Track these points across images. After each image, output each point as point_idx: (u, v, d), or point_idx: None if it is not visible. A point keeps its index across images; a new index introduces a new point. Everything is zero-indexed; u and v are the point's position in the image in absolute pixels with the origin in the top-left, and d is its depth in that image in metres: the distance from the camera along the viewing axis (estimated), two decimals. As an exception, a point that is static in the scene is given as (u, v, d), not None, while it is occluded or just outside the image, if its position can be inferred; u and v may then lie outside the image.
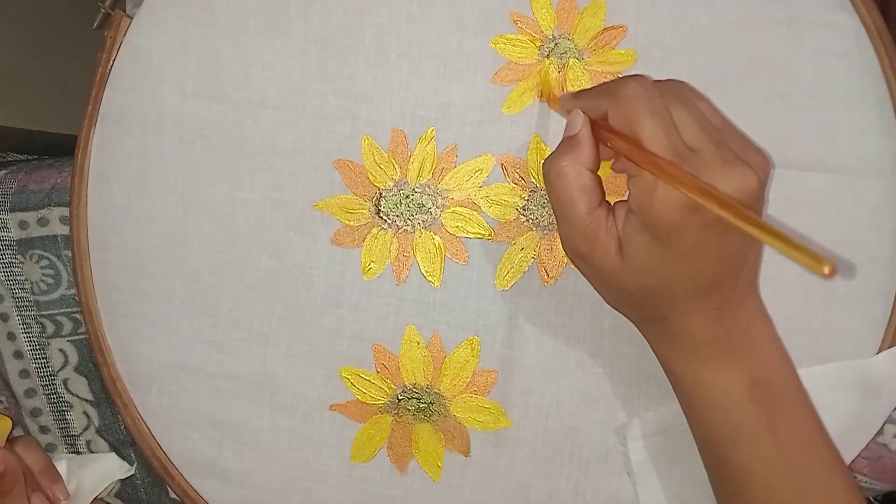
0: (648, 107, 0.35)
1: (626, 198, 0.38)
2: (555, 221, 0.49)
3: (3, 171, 0.56)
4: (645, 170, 0.35)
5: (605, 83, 0.40)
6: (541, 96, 0.49)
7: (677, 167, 0.34)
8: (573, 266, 0.42)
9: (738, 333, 0.39)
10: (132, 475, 0.57)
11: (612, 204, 0.39)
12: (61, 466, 0.54)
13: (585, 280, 0.48)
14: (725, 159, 0.34)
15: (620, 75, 0.49)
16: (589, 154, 0.38)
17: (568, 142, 0.39)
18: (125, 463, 0.56)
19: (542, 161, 0.39)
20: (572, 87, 0.49)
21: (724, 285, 0.38)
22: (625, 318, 0.43)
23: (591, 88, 0.41)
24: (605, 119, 0.38)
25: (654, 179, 0.34)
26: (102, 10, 0.53)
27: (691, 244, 0.35)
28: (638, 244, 0.36)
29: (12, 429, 0.56)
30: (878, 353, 0.49)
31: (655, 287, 0.37)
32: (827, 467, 0.40)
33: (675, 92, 0.37)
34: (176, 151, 0.51)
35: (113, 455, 0.57)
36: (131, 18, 0.52)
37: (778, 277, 0.48)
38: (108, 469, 0.56)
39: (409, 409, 0.50)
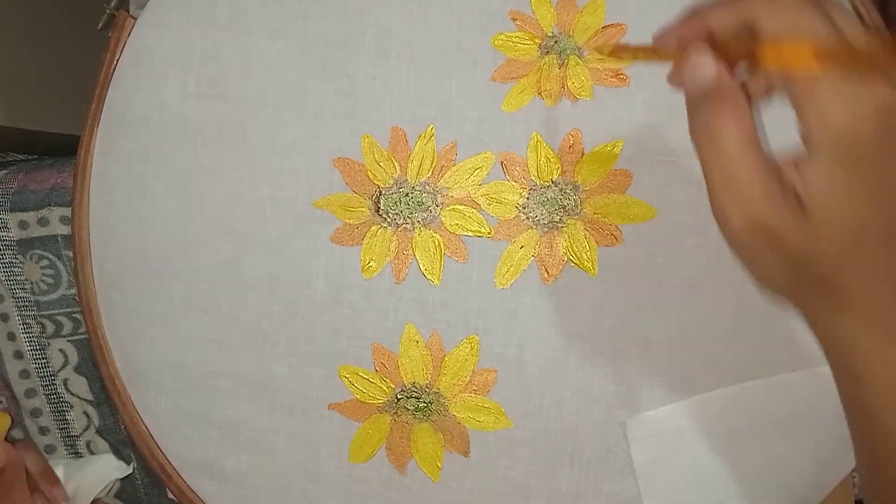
0: (821, 16, 0.29)
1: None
2: (562, 220, 0.49)
3: (3, 171, 0.56)
4: (832, 68, 0.28)
5: None
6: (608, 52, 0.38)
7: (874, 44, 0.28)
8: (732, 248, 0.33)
9: None
10: (132, 475, 0.57)
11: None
12: (59, 471, 0.54)
13: (586, 278, 0.48)
14: None
15: (622, 73, 0.49)
16: (743, 98, 0.31)
17: (711, 90, 0.31)
18: (122, 463, 0.56)
19: (689, 120, 0.31)
20: (573, 86, 0.49)
21: None
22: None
23: (707, 5, 0.32)
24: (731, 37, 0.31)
25: (836, 93, 0.28)
26: (107, 11, 0.54)
27: (886, 169, 0.29)
28: (826, 188, 0.29)
29: (10, 427, 0.56)
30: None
31: (846, 242, 0.30)
32: None
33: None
34: (177, 150, 0.51)
35: (110, 455, 0.57)
36: (135, 19, 0.52)
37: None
38: (106, 469, 0.56)
39: (408, 409, 0.50)
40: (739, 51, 0.31)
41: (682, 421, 0.47)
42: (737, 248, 0.32)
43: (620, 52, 0.38)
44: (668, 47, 0.33)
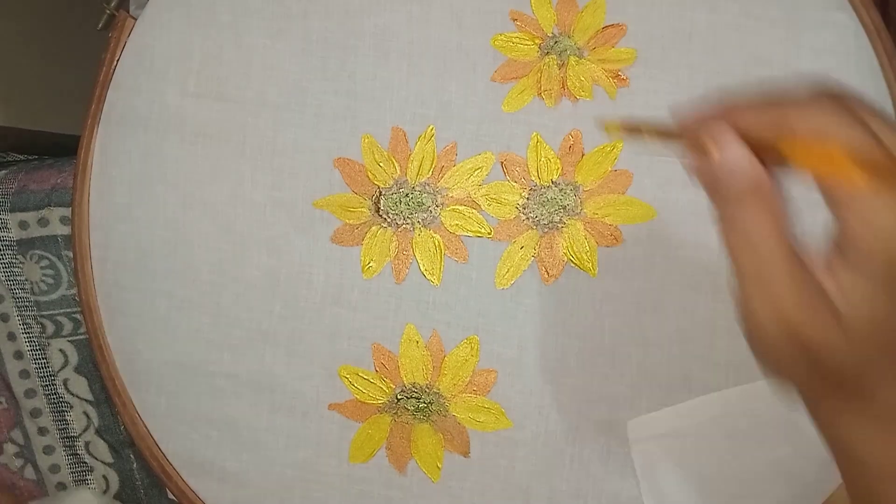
0: (850, 117, 0.27)
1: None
2: (562, 220, 0.49)
3: (3, 171, 0.56)
4: (863, 182, 0.26)
5: (764, 94, 0.29)
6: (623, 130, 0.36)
7: None
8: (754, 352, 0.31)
9: None
10: (132, 475, 0.57)
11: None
12: None
13: (586, 279, 0.48)
14: None
15: (621, 74, 0.49)
16: (780, 197, 0.29)
17: (747, 190, 0.29)
18: (101, 496, 0.56)
19: (718, 223, 0.29)
20: (573, 86, 0.49)
21: None
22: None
23: (737, 100, 0.30)
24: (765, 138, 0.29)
25: (883, 204, 0.26)
26: (107, 11, 0.54)
27: None
28: (865, 297, 0.28)
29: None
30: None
31: (875, 358, 0.29)
32: None
33: (866, 109, 0.29)
34: (177, 151, 0.51)
35: (87, 491, 0.56)
36: (135, 20, 0.52)
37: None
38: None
39: (408, 409, 0.50)
40: (767, 152, 0.28)
41: (684, 423, 0.47)
42: (766, 352, 0.30)
43: (636, 130, 0.34)
44: (691, 134, 0.30)
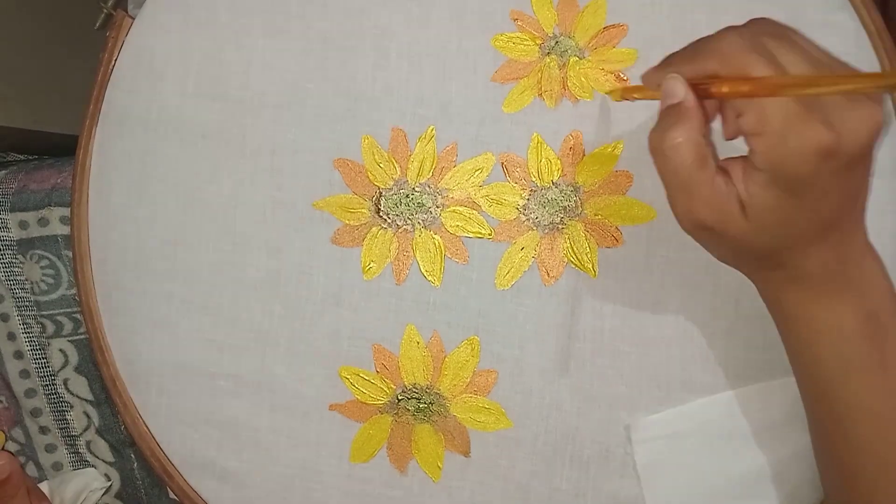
0: (762, 57, 0.34)
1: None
2: (563, 221, 0.49)
3: (3, 171, 0.56)
4: (779, 94, 0.33)
5: (693, 43, 0.38)
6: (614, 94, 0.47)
7: (811, 76, 0.33)
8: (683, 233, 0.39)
9: (852, 266, 0.38)
10: (132, 475, 0.57)
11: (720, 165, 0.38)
12: (44, 487, 0.55)
13: (587, 279, 0.48)
14: (850, 99, 0.34)
15: (622, 74, 0.49)
16: (700, 118, 0.36)
17: (673, 111, 0.37)
18: (101, 477, 0.57)
19: (649, 135, 0.37)
20: (573, 87, 0.49)
21: (843, 222, 0.37)
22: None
23: (677, 53, 0.38)
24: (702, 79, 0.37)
25: (784, 131, 0.33)
26: (105, 11, 0.54)
27: (821, 191, 0.35)
28: (765, 202, 0.35)
29: (5, 441, 0.56)
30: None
31: (781, 238, 0.37)
32: None
33: (773, 34, 0.36)
34: (177, 151, 0.51)
35: (92, 469, 0.57)
36: (133, 19, 0.52)
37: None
38: (86, 481, 0.56)
39: (408, 410, 0.50)
40: (699, 90, 0.37)
41: (687, 424, 0.47)
42: (689, 235, 0.39)
43: (629, 92, 0.45)
44: (651, 85, 0.40)
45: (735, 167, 0.36)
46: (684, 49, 0.38)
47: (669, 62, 0.39)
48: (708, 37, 0.37)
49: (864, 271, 0.39)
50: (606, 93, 0.48)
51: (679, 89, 0.37)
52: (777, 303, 0.41)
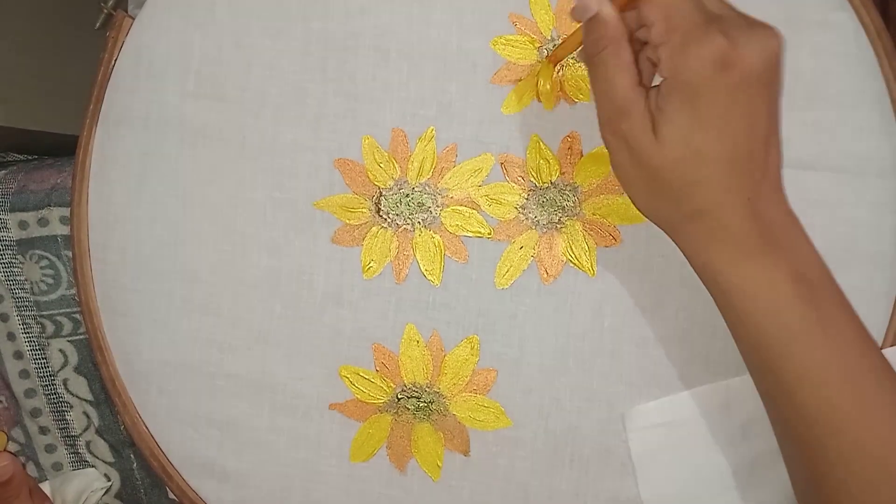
0: None
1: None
2: (561, 220, 0.49)
3: (3, 171, 0.56)
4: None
5: None
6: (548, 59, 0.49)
7: None
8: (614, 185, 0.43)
9: (776, 228, 0.38)
10: (132, 475, 0.57)
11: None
12: (45, 487, 0.55)
13: (585, 279, 0.48)
14: (749, 21, 0.36)
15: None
16: (620, 27, 0.37)
17: (592, 23, 0.38)
18: (102, 477, 0.57)
19: (580, 51, 0.38)
20: (570, 89, 0.50)
21: (755, 168, 0.38)
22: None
23: None
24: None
25: (685, 38, 0.35)
26: (105, 11, 0.54)
27: (721, 107, 0.36)
28: (670, 112, 0.36)
29: (7, 442, 0.56)
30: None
31: (690, 162, 0.37)
32: (878, 369, 0.39)
33: None
34: (177, 151, 0.51)
35: (93, 470, 0.57)
36: (133, 19, 0.52)
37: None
38: (87, 482, 0.56)
39: (408, 409, 0.50)
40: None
41: (682, 413, 0.47)
42: (608, 150, 0.40)
43: (557, 53, 0.47)
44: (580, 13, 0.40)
45: (652, 89, 0.38)
46: None
47: None
48: None
49: (790, 235, 0.39)
50: (538, 75, 0.49)
51: (610, 17, 0.37)
52: (704, 267, 0.40)
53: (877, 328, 0.49)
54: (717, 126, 0.36)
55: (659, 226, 0.41)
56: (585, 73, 0.49)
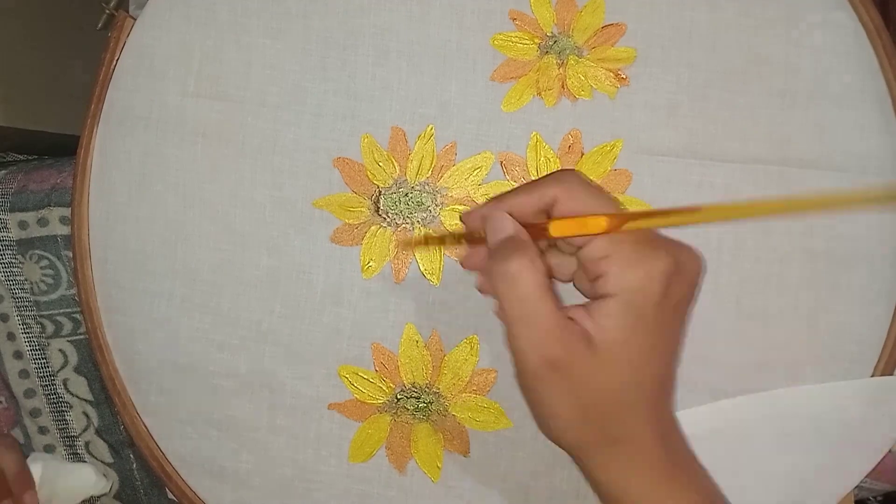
0: (595, 189, 0.37)
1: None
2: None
3: (3, 171, 0.56)
4: (621, 230, 0.35)
5: (528, 183, 0.38)
6: (422, 243, 0.49)
7: (651, 213, 0.36)
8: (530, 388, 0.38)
9: (683, 455, 0.39)
10: (132, 475, 0.57)
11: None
12: (36, 469, 0.53)
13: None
14: (675, 241, 0.37)
15: (621, 73, 0.49)
16: (535, 251, 0.36)
17: (506, 244, 0.36)
18: (102, 479, 0.56)
19: (489, 270, 0.36)
20: (572, 85, 0.50)
21: (670, 391, 0.38)
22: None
23: (511, 191, 0.39)
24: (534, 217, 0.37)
25: (636, 255, 0.35)
26: (107, 11, 0.54)
27: (663, 324, 0.36)
28: (615, 330, 0.35)
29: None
30: (880, 352, 0.48)
31: (626, 384, 0.36)
32: None
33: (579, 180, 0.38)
34: (177, 150, 0.51)
35: (91, 468, 0.56)
36: (134, 20, 0.52)
37: (780, 275, 0.48)
38: (84, 483, 0.55)
39: (407, 409, 0.50)
40: (536, 229, 0.37)
41: (688, 431, 0.47)
42: (531, 383, 0.37)
43: (433, 240, 0.48)
44: (475, 226, 0.39)
45: (576, 311, 0.36)
46: (521, 186, 0.38)
47: (498, 199, 0.38)
48: (549, 174, 0.38)
49: (694, 462, 0.39)
50: (408, 244, 0.50)
51: (506, 224, 0.37)
52: (627, 493, 0.38)
53: (877, 328, 0.49)
54: (654, 347, 0.36)
55: (569, 449, 0.38)
56: (586, 71, 0.50)
